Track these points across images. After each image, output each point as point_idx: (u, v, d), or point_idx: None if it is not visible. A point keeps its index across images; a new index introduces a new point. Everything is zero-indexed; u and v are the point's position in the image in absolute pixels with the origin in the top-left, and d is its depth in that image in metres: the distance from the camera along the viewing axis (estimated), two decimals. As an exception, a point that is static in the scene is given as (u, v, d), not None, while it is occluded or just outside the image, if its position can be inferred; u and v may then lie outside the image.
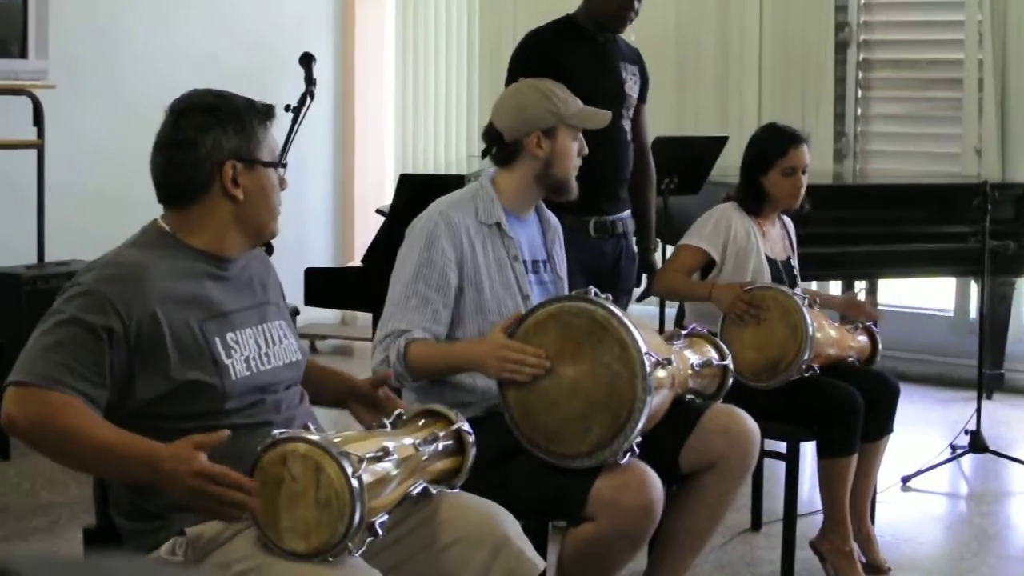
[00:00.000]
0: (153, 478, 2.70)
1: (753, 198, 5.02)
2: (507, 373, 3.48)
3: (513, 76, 4.99)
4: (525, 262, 3.97)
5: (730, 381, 4.01)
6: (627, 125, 5.29)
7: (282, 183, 3.15)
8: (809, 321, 4.58)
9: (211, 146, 2.99)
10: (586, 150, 4.02)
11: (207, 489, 2.65)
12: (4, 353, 6.01)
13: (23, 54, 6.80)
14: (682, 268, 4.95)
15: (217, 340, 2.96)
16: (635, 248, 5.39)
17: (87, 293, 2.85)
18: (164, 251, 2.99)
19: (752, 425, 3.91)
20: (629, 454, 3.44)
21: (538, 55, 5.17)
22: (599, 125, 4.08)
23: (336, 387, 3.42)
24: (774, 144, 5.02)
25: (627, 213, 5.32)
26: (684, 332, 4.04)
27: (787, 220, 5.22)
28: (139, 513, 2.93)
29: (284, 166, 3.15)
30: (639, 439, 3.44)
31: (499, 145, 3.96)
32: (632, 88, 5.34)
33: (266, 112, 3.12)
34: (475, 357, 3.58)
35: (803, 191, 5.01)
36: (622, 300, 5.08)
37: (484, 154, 4.08)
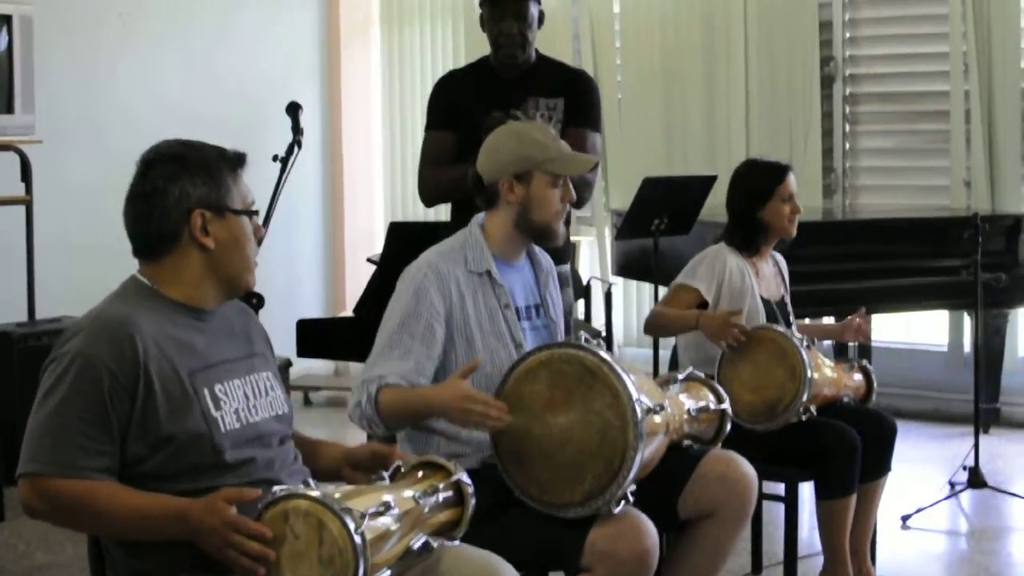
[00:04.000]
0: (185, 533, 2.74)
1: (749, 235, 5.01)
2: (471, 425, 3.46)
3: (427, 118, 5.38)
4: (518, 309, 3.94)
5: (728, 426, 3.98)
6: None
7: (257, 232, 3.13)
8: (807, 362, 4.55)
9: (178, 195, 2.98)
10: (574, 197, 3.96)
11: (231, 539, 2.66)
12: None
13: (9, 109, 6.77)
14: (675, 307, 4.91)
15: (205, 391, 2.95)
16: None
17: (76, 358, 2.84)
18: (145, 303, 2.99)
19: (750, 471, 3.87)
20: (623, 502, 3.40)
21: (438, 98, 5.39)
22: (581, 171, 4.03)
23: (329, 455, 3.35)
24: (769, 175, 5.03)
25: None
26: (681, 376, 4.01)
27: (779, 258, 5.21)
28: (136, 574, 2.90)
29: (256, 213, 3.13)
30: (633, 487, 3.40)
31: (479, 188, 3.94)
32: None
33: (236, 160, 3.10)
34: (438, 404, 3.52)
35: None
36: None
37: (471, 198, 4.05)
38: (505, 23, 5.15)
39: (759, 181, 5.04)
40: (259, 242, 3.16)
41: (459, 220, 4.92)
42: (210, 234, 3.01)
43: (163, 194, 2.98)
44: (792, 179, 5.03)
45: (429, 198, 5.46)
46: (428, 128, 5.44)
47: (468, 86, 5.31)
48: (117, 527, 2.85)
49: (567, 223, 4.08)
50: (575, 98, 5.22)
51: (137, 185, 3.02)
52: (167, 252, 3.02)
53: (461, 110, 5.16)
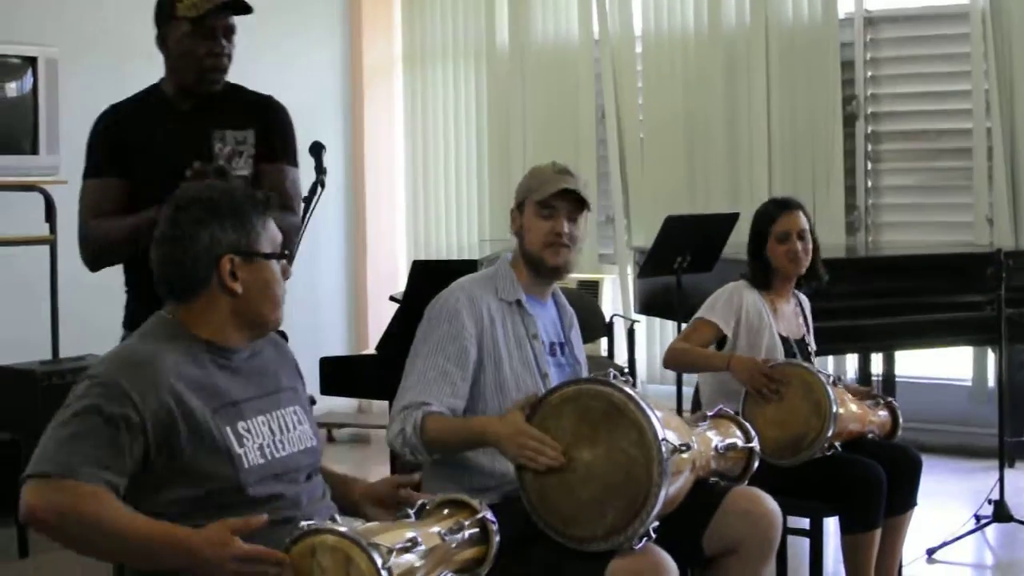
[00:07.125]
0: (188, 565, 2.70)
1: (760, 273, 5.03)
2: (523, 460, 3.44)
3: (85, 165, 4.44)
4: (543, 343, 3.96)
5: (756, 463, 3.95)
6: None
7: (285, 272, 3.14)
8: (832, 398, 4.55)
9: (208, 241, 3.00)
10: (564, 229, 3.85)
11: (244, 571, 2.65)
12: (20, 450, 6.00)
13: (35, 150, 6.81)
14: (695, 341, 4.93)
15: (228, 430, 2.95)
16: None
17: (102, 384, 2.83)
18: (172, 342, 2.99)
19: (774, 507, 3.86)
20: (645, 539, 3.38)
21: (100, 140, 4.44)
22: (549, 192, 3.87)
23: (346, 492, 3.35)
24: (765, 214, 5.06)
25: None
26: (710, 413, 4.00)
27: (803, 298, 5.21)
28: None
29: (285, 256, 3.14)
30: (656, 524, 3.39)
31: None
32: (232, 161, 4.32)
33: (265, 202, 3.11)
34: (492, 435, 3.52)
35: (803, 256, 5.01)
36: None
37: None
38: (215, 43, 4.29)
39: (758, 220, 5.08)
40: (286, 279, 3.17)
41: (134, 282, 4.48)
42: (238, 279, 3.02)
43: (192, 239, 3.00)
44: (790, 218, 5.01)
45: (96, 255, 4.46)
46: (86, 177, 4.43)
47: (137, 122, 4.40)
48: (118, 546, 2.76)
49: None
50: (267, 130, 4.43)
51: (166, 229, 3.04)
52: (195, 296, 3.03)
53: (130, 151, 4.33)
